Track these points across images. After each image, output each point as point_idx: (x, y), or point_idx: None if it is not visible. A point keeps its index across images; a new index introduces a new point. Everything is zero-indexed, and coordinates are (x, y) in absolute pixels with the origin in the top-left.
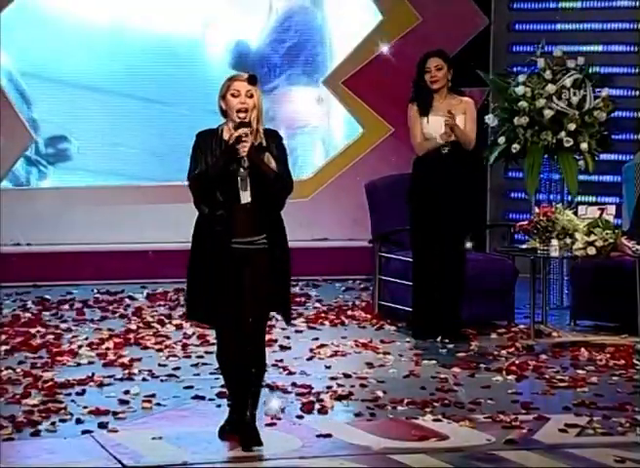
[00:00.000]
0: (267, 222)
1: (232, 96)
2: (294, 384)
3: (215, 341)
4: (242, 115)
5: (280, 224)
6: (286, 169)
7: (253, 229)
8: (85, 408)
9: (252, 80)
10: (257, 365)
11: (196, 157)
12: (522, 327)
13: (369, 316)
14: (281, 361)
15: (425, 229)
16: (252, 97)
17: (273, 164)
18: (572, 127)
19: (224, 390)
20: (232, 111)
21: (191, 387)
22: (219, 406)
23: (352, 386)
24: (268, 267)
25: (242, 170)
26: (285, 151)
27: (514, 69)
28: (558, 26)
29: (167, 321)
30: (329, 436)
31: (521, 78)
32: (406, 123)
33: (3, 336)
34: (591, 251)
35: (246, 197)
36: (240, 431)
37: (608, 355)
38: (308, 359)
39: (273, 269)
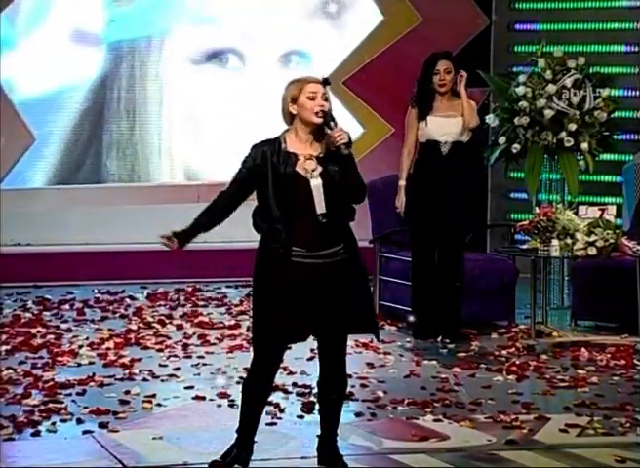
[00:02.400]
0: (342, 232)
1: (308, 98)
2: (294, 384)
3: (214, 342)
4: (328, 121)
5: (352, 234)
6: (357, 169)
7: (328, 240)
8: (85, 408)
9: (326, 82)
10: (339, 391)
11: (239, 171)
12: (522, 327)
13: None
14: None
15: (426, 229)
16: (327, 100)
17: (336, 171)
18: (572, 127)
19: (225, 390)
20: (310, 114)
21: (192, 387)
22: (219, 405)
23: (353, 386)
24: (348, 281)
25: (312, 176)
26: (353, 158)
27: (515, 69)
28: (558, 26)
29: (167, 321)
30: None
31: (521, 78)
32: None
33: (3, 336)
34: (592, 251)
35: (321, 206)
36: (323, 456)
37: (608, 355)
38: (309, 359)
39: (353, 284)
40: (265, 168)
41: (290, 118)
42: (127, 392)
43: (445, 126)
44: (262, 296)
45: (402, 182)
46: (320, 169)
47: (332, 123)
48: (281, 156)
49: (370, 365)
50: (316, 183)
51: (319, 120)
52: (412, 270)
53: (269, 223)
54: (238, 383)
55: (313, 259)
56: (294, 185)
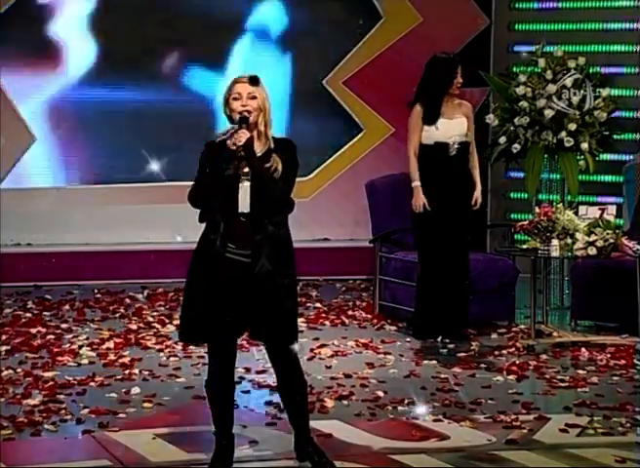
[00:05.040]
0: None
1: (234, 99)
2: None
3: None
4: (243, 126)
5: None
6: (286, 183)
7: (250, 241)
8: (85, 408)
9: (253, 81)
10: (299, 392)
11: (200, 167)
12: (522, 327)
13: (369, 316)
14: None
15: (435, 230)
16: (254, 98)
17: (279, 170)
18: (572, 127)
19: None
20: (234, 115)
21: (192, 387)
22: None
23: (353, 386)
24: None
25: (243, 176)
26: (294, 165)
27: (515, 69)
28: (558, 26)
29: (167, 321)
30: (329, 436)
31: (522, 78)
32: (407, 122)
33: (3, 336)
34: (592, 251)
35: (245, 206)
36: (302, 454)
37: (608, 355)
38: (309, 359)
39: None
40: (210, 164)
41: (229, 118)
42: (127, 392)
43: (453, 127)
44: (193, 286)
45: (417, 183)
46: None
47: (242, 122)
48: (224, 154)
49: (370, 365)
50: (244, 184)
51: (235, 125)
52: (421, 271)
53: (209, 216)
54: (238, 383)
55: (240, 257)
56: (228, 184)
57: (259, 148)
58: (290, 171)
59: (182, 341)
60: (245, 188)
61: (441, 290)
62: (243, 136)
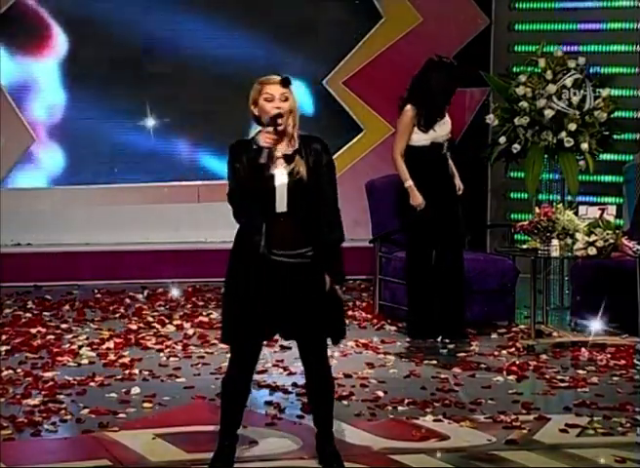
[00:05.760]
0: (308, 235)
1: (266, 100)
2: (294, 384)
3: (213, 342)
4: (279, 121)
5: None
6: (334, 186)
7: (291, 241)
8: (85, 408)
9: (285, 82)
10: (327, 392)
11: (233, 170)
12: (522, 327)
13: (369, 316)
14: (282, 361)
15: (426, 230)
16: (287, 100)
17: (303, 171)
18: (572, 127)
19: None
20: (266, 116)
21: (192, 387)
22: (219, 406)
23: (353, 386)
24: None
25: (278, 175)
26: (333, 166)
27: (515, 69)
28: (558, 26)
29: (167, 321)
30: None
31: (522, 78)
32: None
33: (3, 336)
34: (592, 251)
35: (282, 205)
36: (322, 455)
37: (608, 355)
38: None
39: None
40: (243, 165)
41: (255, 119)
42: (127, 392)
43: (446, 127)
44: (236, 290)
45: (410, 182)
46: (285, 167)
47: (274, 123)
48: (254, 154)
49: (370, 365)
50: (280, 182)
51: (266, 126)
52: (407, 269)
53: (247, 218)
54: None
55: (284, 258)
56: (264, 183)
57: (285, 149)
58: (332, 172)
59: (228, 344)
60: (282, 187)
61: (431, 288)
62: (271, 138)
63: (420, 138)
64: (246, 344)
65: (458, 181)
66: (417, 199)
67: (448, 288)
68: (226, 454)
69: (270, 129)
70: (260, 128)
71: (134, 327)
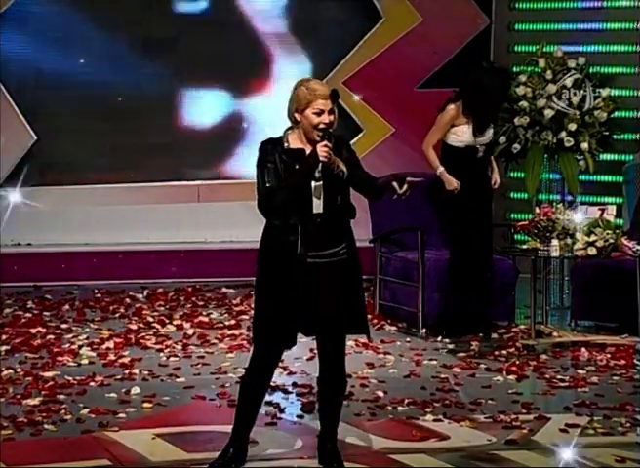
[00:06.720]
0: (342, 233)
1: (315, 114)
2: (294, 384)
3: (213, 342)
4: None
5: (352, 235)
6: (365, 171)
7: (326, 240)
8: (85, 408)
9: (335, 98)
10: (339, 391)
11: (266, 169)
12: (522, 327)
13: (369, 316)
14: (282, 361)
15: (469, 227)
16: (332, 113)
17: (342, 166)
18: (572, 127)
19: (225, 390)
20: (311, 127)
21: (191, 387)
22: (219, 406)
23: (353, 386)
24: (345, 282)
25: (315, 179)
26: (356, 155)
27: (515, 69)
28: (558, 26)
29: (167, 321)
30: None
31: (522, 78)
32: (407, 122)
33: (3, 336)
34: (592, 251)
35: (318, 206)
36: (322, 454)
37: (608, 355)
38: (309, 359)
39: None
40: (277, 166)
41: (293, 120)
42: (127, 392)
43: (487, 133)
44: (270, 292)
45: (442, 168)
46: (318, 170)
47: (325, 136)
48: (286, 154)
49: (370, 365)
50: (315, 184)
51: (318, 139)
52: (456, 270)
53: (283, 219)
54: (238, 383)
55: (317, 258)
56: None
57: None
58: (357, 159)
59: (260, 345)
60: (318, 189)
61: (472, 286)
62: (329, 151)
63: (457, 140)
64: (278, 347)
65: (495, 175)
66: (451, 183)
67: (480, 284)
68: (239, 454)
69: (325, 141)
70: (288, 127)
71: (134, 327)
